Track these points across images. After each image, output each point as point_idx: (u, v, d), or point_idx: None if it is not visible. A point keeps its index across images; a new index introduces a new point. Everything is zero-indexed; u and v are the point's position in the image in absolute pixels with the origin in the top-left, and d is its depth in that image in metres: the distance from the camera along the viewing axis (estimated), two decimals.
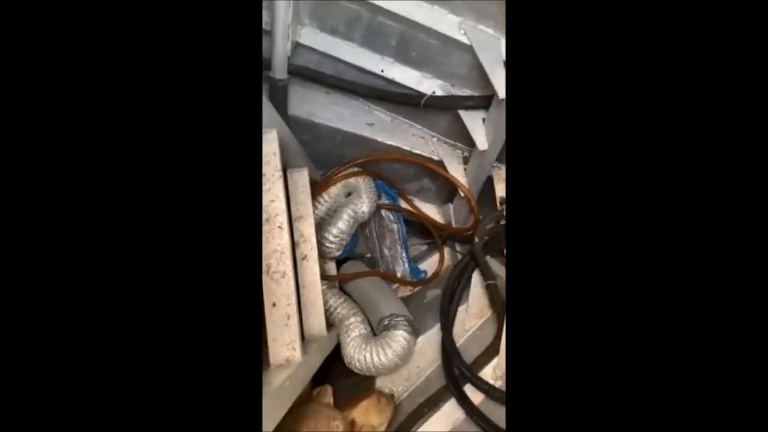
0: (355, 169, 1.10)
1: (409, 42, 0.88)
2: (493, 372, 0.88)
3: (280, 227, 0.71)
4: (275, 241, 0.70)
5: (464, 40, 0.82)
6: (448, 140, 1.08)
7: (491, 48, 0.81)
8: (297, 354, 0.68)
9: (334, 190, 1.10)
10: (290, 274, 0.70)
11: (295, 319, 0.69)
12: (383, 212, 1.20)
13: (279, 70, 0.94)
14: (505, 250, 0.99)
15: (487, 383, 0.84)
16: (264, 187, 0.71)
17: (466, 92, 0.93)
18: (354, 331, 0.97)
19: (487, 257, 1.00)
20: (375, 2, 0.81)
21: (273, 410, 0.51)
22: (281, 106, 0.99)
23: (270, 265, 0.70)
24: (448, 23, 0.82)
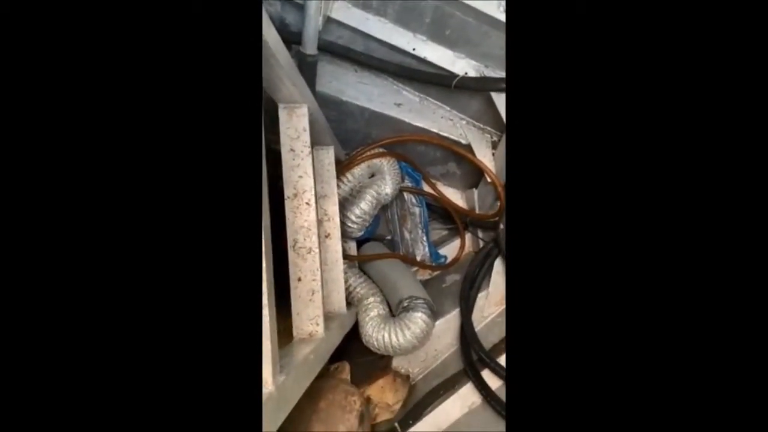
0: (380, 149, 1.09)
1: (445, 19, 0.86)
2: None
3: (307, 203, 0.71)
4: (302, 217, 0.70)
5: (502, 18, 0.79)
6: (477, 123, 1.05)
7: None
8: (320, 329, 0.69)
9: (358, 171, 1.10)
10: (316, 250, 0.70)
11: (319, 295, 0.70)
12: (406, 195, 1.19)
13: (309, 45, 0.92)
14: None
15: (505, 368, 0.84)
16: (293, 163, 0.71)
17: (500, 74, 0.90)
18: (373, 310, 0.98)
19: None
20: None
21: (297, 382, 0.52)
22: (310, 83, 0.98)
23: (296, 240, 0.70)
24: (488, 4, 0.79)
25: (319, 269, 0.71)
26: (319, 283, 0.70)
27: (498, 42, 0.84)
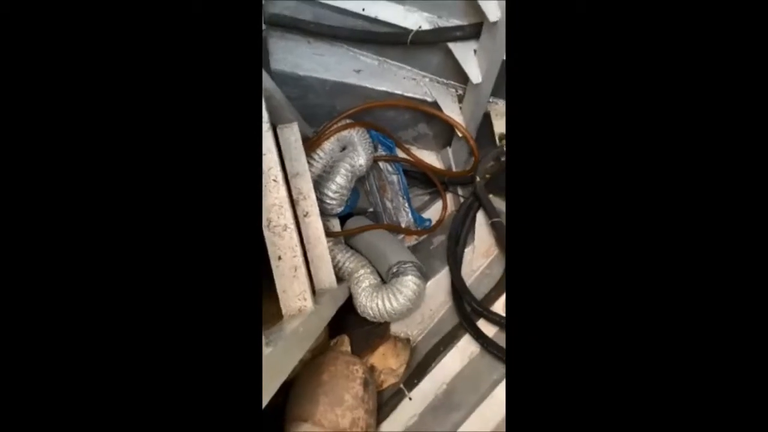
0: (348, 121, 1.06)
1: None
2: (504, 306, 0.89)
3: (275, 180, 0.69)
4: (272, 195, 0.69)
5: None
6: (440, 79, 1.03)
7: None
8: (308, 303, 0.69)
9: (328, 146, 1.07)
10: (292, 226, 0.69)
11: (302, 270, 0.70)
12: (381, 164, 1.17)
13: None
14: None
15: (499, 315, 0.85)
16: None
17: (455, 23, 0.88)
18: (364, 281, 0.98)
19: (490, 195, 0.99)
20: None
21: (287, 353, 0.52)
22: (262, 60, 0.95)
23: (270, 219, 0.69)
24: None
25: (299, 245, 0.70)
26: (301, 259, 0.70)
27: None
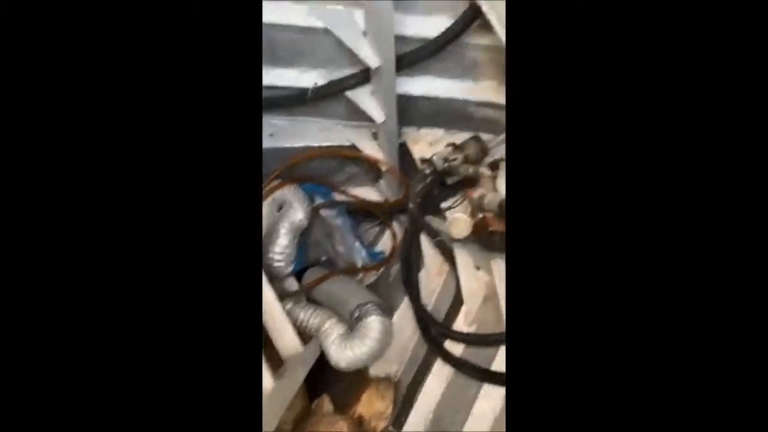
0: (277, 181, 1.08)
1: (273, 42, 0.87)
2: (465, 318, 0.91)
3: None
4: None
5: (319, 24, 0.81)
6: (351, 123, 1.07)
7: (347, 23, 0.80)
8: (268, 383, 0.68)
9: (265, 209, 1.09)
10: None
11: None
12: (323, 212, 1.19)
13: None
14: (441, 205, 1.01)
15: (461, 333, 0.87)
16: None
17: (346, 73, 0.93)
18: (332, 333, 0.98)
19: (428, 217, 1.03)
20: None
21: None
22: None
23: None
24: (297, 14, 0.81)
25: None
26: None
27: (325, 46, 0.87)
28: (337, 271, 1.13)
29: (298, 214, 1.07)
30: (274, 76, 0.92)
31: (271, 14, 0.80)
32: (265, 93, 0.94)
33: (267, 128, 1.05)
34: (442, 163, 0.94)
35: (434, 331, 0.92)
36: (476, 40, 0.84)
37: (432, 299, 1.00)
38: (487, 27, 0.73)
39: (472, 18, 0.77)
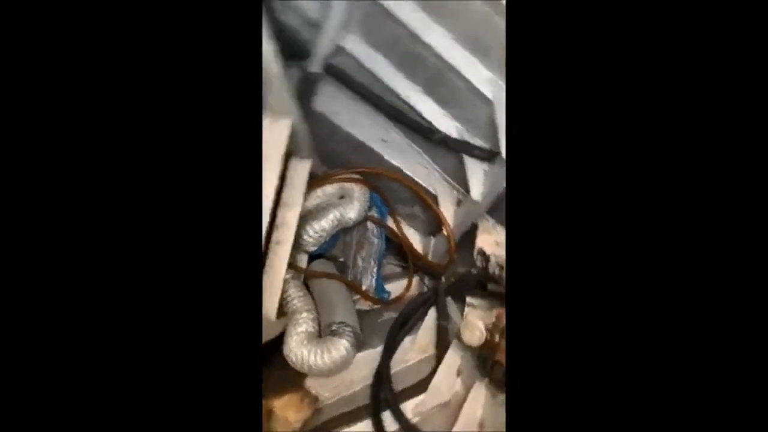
0: (356, 176, 1.13)
1: (441, 79, 0.93)
2: (415, 408, 0.90)
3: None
4: None
5: (489, 95, 0.86)
6: (448, 179, 1.11)
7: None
8: None
9: (330, 189, 1.14)
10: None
11: None
12: (369, 224, 1.23)
13: (315, 64, 0.98)
14: (467, 299, 1.01)
15: (405, 417, 0.86)
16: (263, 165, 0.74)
17: (478, 141, 0.97)
18: (302, 326, 0.99)
19: (448, 299, 1.03)
20: (416, 32, 0.86)
21: None
22: (306, 98, 1.03)
23: None
24: (478, 75, 0.87)
25: None
26: None
27: (480, 113, 0.92)
28: (342, 279, 1.15)
29: (352, 212, 1.10)
30: (421, 102, 0.98)
31: (459, 58, 0.86)
32: (404, 107, 1.00)
33: (384, 134, 1.10)
34: (495, 265, 0.95)
35: (383, 394, 0.91)
36: None
37: (399, 367, 0.99)
38: None
39: None
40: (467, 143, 0.97)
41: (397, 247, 1.26)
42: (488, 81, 0.87)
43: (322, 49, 0.96)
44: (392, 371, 0.95)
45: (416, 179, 1.10)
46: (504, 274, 0.93)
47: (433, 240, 1.21)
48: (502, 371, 0.80)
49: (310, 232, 1.07)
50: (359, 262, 1.23)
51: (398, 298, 1.19)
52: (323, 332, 1.00)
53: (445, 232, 1.08)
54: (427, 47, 0.88)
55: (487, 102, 0.88)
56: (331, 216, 1.08)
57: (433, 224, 1.21)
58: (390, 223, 1.23)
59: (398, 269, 1.33)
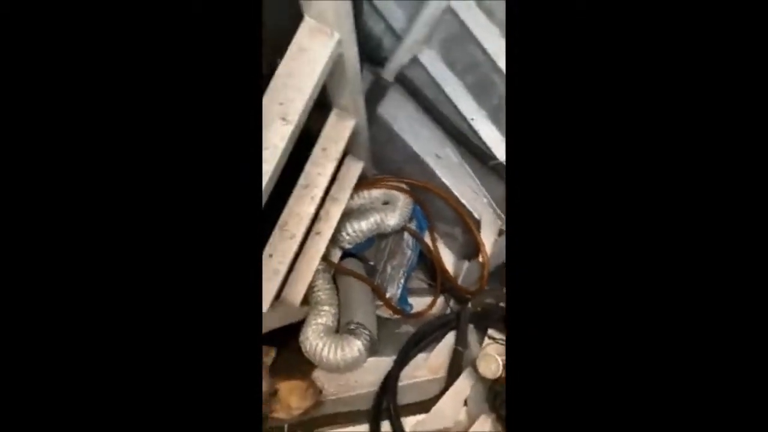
0: (404, 186, 1.15)
1: None
2: (415, 425, 0.89)
3: (312, 198, 0.77)
4: (301, 207, 0.77)
5: None
6: (495, 207, 1.10)
7: None
8: (264, 310, 0.74)
9: (376, 193, 1.16)
10: (298, 238, 0.76)
11: (279, 277, 0.75)
12: (406, 234, 1.24)
13: (389, 71, 1.01)
14: (488, 330, 0.99)
15: (403, 431, 0.85)
16: (320, 160, 0.78)
17: None
18: (322, 317, 1.02)
19: (471, 326, 1.02)
20: (496, 61, 0.86)
21: None
22: (374, 102, 1.07)
23: (287, 223, 0.76)
24: None
25: (292, 257, 0.76)
26: (286, 267, 0.76)
27: None
28: (369, 282, 1.16)
29: (392, 220, 1.12)
30: (484, 127, 0.98)
31: None
32: (464, 128, 1.01)
33: (440, 149, 1.11)
34: None
35: (386, 404, 0.91)
36: None
37: (406, 381, 0.99)
38: None
39: None
40: None
41: (428, 263, 1.26)
42: None
43: (398, 58, 0.99)
44: (399, 384, 0.95)
45: (462, 200, 1.10)
46: None
47: (467, 264, 1.20)
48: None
49: (349, 230, 1.09)
50: (389, 269, 1.24)
51: (420, 314, 1.19)
52: (341, 329, 1.02)
53: (481, 259, 1.07)
54: (503, 75, 0.88)
55: None
56: (372, 219, 1.10)
57: (471, 249, 1.20)
58: (426, 238, 1.24)
59: (425, 286, 1.32)
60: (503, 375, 0.83)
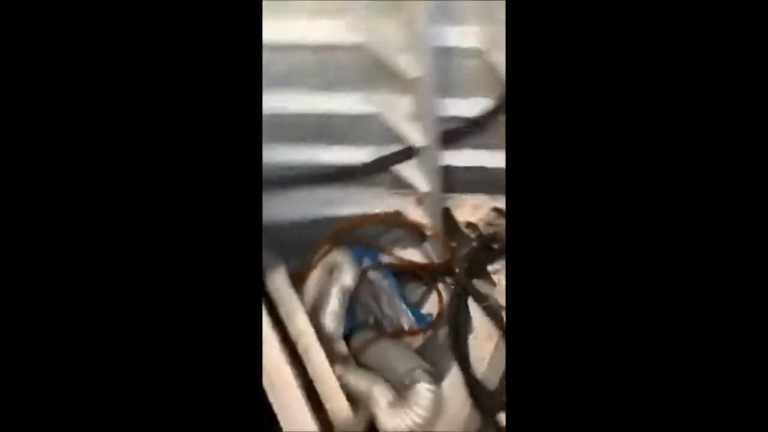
0: (326, 248, 1.15)
1: (327, 127, 0.97)
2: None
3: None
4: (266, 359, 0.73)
5: (368, 110, 0.91)
6: (398, 191, 1.14)
7: (393, 107, 0.89)
8: None
9: (316, 275, 1.15)
10: (292, 382, 0.73)
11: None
12: (370, 273, 1.23)
13: None
14: (488, 267, 1.02)
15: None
16: None
17: (393, 148, 1.01)
18: (382, 400, 0.97)
19: (474, 281, 1.04)
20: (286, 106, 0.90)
21: None
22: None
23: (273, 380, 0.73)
24: (349, 101, 0.91)
25: (301, 395, 0.72)
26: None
27: (374, 129, 0.96)
28: (384, 335, 1.14)
29: (348, 278, 1.11)
30: (327, 154, 1.02)
31: (324, 103, 0.91)
32: (319, 168, 1.04)
33: (322, 197, 1.13)
34: (486, 227, 0.96)
35: (487, 401, 0.89)
36: None
37: (483, 367, 0.98)
38: None
39: None
40: (384, 158, 1.00)
41: (408, 271, 1.27)
42: (357, 98, 0.91)
43: None
44: (479, 376, 0.94)
45: (375, 211, 1.13)
46: (498, 228, 0.94)
47: (427, 245, 1.23)
48: None
49: (328, 323, 1.07)
50: (386, 310, 1.23)
51: (439, 314, 1.18)
52: (400, 391, 0.99)
53: (428, 232, 1.10)
54: (301, 115, 0.93)
55: (372, 116, 0.92)
56: (333, 295, 1.09)
57: (418, 231, 1.22)
58: (385, 258, 1.24)
59: (422, 289, 1.32)
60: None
